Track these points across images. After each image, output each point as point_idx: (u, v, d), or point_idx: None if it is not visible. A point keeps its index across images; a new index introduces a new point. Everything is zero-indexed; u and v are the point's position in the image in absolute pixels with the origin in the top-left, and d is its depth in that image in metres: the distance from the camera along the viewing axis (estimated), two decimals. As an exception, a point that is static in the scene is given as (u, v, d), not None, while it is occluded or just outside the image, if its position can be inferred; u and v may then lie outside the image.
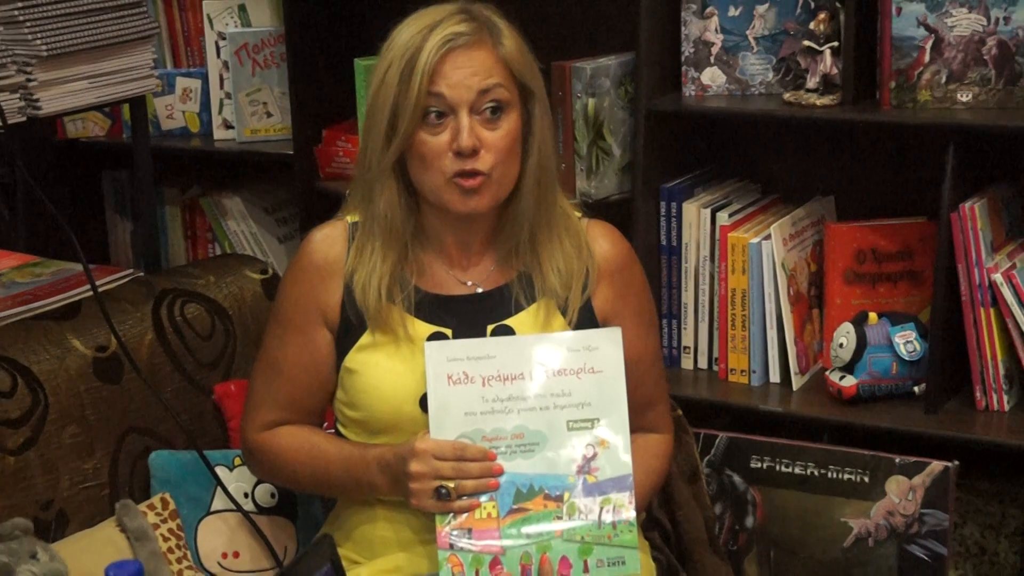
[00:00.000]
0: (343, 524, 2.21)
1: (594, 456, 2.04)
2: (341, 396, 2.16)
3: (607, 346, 2.07)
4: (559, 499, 2.03)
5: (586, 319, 2.15)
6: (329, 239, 2.17)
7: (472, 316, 2.12)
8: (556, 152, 2.17)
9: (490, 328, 2.12)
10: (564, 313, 2.13)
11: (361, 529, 2.17)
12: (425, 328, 2.10)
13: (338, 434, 2.21)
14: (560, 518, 2.02)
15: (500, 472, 2.02)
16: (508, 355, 2.06)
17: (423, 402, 2.06)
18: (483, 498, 2.01)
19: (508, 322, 2.12)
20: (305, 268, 2.17)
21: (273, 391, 2.19)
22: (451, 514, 2.01)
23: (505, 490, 2.02)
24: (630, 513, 2.03)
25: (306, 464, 2.16)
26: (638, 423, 2.16)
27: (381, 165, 2.05)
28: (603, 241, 2.20)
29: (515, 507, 2.02)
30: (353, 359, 2.12)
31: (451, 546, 2.00)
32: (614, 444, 2.05)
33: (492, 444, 2.03)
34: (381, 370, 2.10)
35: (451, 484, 1.99)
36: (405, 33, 2.05)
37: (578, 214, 2.21)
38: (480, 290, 2.15)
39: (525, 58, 2.08)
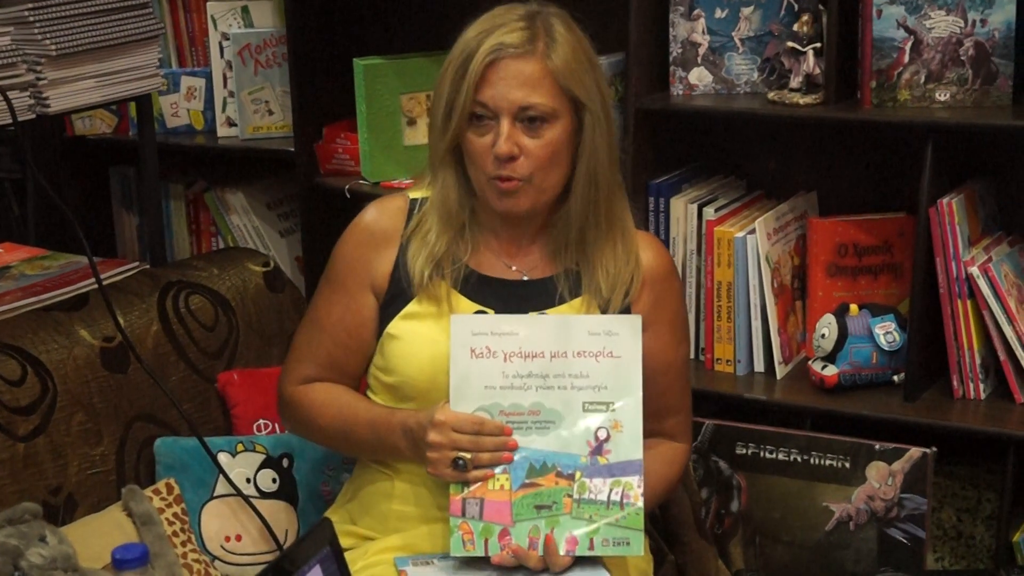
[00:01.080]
0: (360, 497, 2.24)
1: (607, 438, 2.07)
2: (378, 361, 2.20)
3: (627, 332, 2.09)
4: (571, 477, 2.06)
5: None
6: (388, 210, 2.22)
7: (515, 301, 2.16)
8: (615, 160, 2.16)
9: (531, 315, 2.15)
10: (604, 312, 2.16)
11: (377, 502, 2.20)
12: (469, 305, 2.15)
13: None
14: (570, 496, 2.05)
15: (515, 447, 2.05)
16: (531, 333, 2.08)
17: None
18: (497, 470, 2.04)
19: (549, 312, 2.15)
20: (359, 234, 2.22)
21: (314, 347, 2.23)
22: (465, 483, 2.05)
23: (519, 465, 2.05)
24: (638, 497, 2.05)
25: (335, 419, 2.20)
26: (658, 428, 2.19)
27: (439, 152, 2.12)
28: (648, 251, 2.23)
29: (527, 482, 2.05)
30: (396, 325, 2.16)
31: (463, 513, 2.04)
32: (627, 428, 2.07)
33: (509, 419, 2.06)
34: (422, 339, 2.14)
35: (468, 455, 2.02)
36: (470, 32, 2.09)
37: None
38: (526, 278, 2.19)
39: (576, 71, 2.08)
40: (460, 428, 2.04)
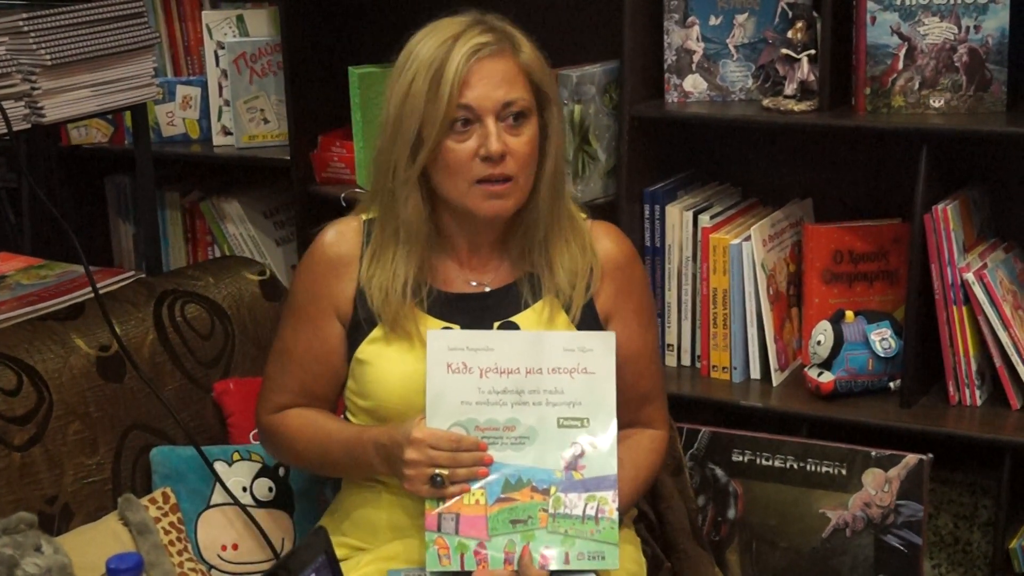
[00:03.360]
0: (347, 508, 2.23)
1: (582, 454, 2.06)
2: (352, 385, 2.19)
3: (601, 349, 2.09)
4: (546, 492, 2.05)
5: (589, 316, 2.17)
6: (343, 235, 2.20)
7: (479, 313, 2.15)
8: (566, 156, 2.17)
9: (496, 324, 2.15)
10: (568, 311, 2.16)
11: (365, 513, 2.20)
12: (435, 323, 2.13)
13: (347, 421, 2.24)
14: (545, 510, 2.05)
15: (490, 462, 2.05)
16: (506, 349, 2.07)
17: None
18: (473, 485, 2.04)
19: (514, 319, 2.15)
20: (318, 262, 2.20)
21: (285, 377, 2.23)
22: (442, 499, 2.04)
23: (494, 480, 2.05)
24: (613, 511, 2.05)
25: (310, 443, 2.20)
26: (634, 418, 2.20)
27: (408, 174, 2.07)
28: (606, 240, 2.22)
29: (503, 496, 2.04)
30: (365, 351, 2.15)
31: (439, 528, 2.03)
32: (601, 444, 2.07)
33: (484, 434, 2.05)
34: (392, 363, 2.13)
35: (445, 472, 2.02)
36: (428, 44, 2.06)
37: (583, 215, 2.24)
38: (488, 289, 2.18)
39: (542, 66, 2.10)
40: (438, 445, 2.03)
